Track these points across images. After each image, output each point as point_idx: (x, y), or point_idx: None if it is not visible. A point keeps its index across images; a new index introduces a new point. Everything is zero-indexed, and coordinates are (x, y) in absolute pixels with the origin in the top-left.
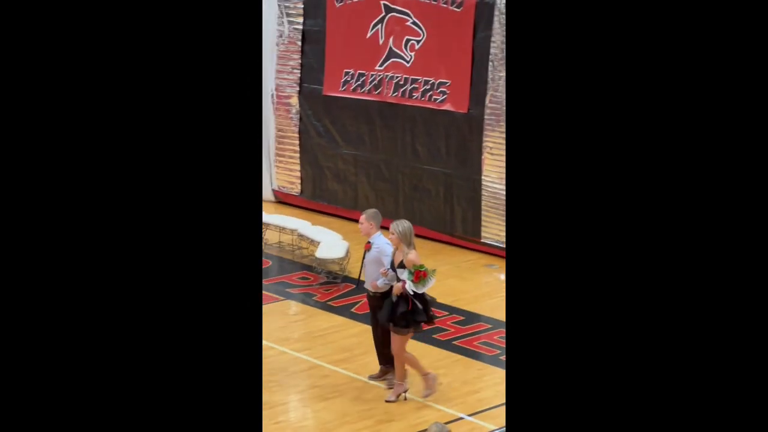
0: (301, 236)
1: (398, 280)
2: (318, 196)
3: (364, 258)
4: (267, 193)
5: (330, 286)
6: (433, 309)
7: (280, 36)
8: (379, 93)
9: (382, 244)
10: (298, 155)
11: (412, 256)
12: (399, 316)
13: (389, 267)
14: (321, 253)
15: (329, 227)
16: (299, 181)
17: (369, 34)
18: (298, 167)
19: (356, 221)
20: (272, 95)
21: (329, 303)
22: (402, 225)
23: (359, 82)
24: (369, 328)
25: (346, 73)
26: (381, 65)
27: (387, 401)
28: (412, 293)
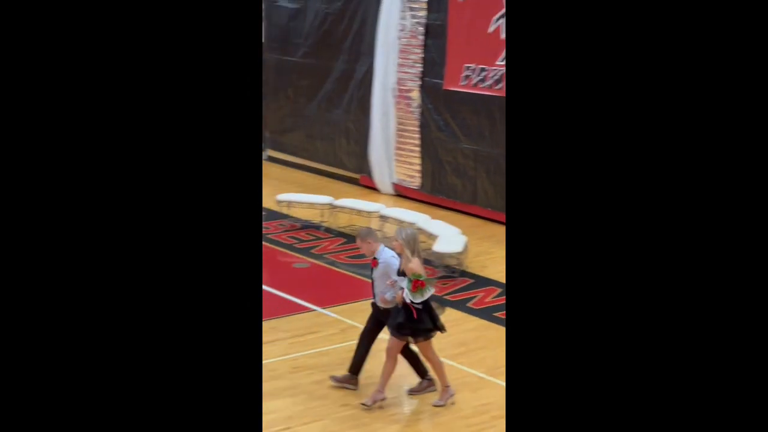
0: (419, 230)
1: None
2: (437, 190)
3: (372, 275)
4: (386, 187)
5: (447, 280)
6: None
7: (402, 30)
8: (500, 88)
9: (388, 257)
10: (418, 149)
11: (414, 264)
12: (403, 325)
13: (397, 275)
14: (439, 247)
15: (448, 221)
16: (419, 174)
17: (491, 29)
18: (418, 161)
19: (475, 216)
20: (393, 89)
21: (446, 297)
22: (406, 231)
23: (480, 77)
24: (485, 323)
25: (467, 68)
26: (502, 60)
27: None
28: (409, 302)
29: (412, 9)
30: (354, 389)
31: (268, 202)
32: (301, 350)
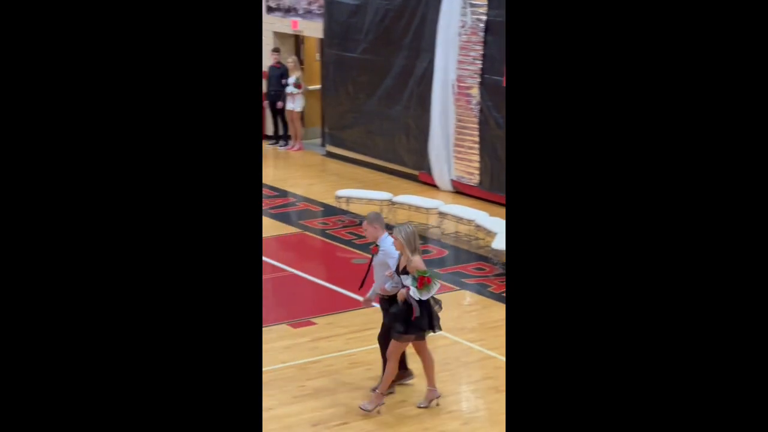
0: (478, 227)
1: (403, 285)
2: (496, 188)
3: (371, 261)
4: (445, 183)
5: (505, 278)
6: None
7: (463, 26)
8: None
9: (389, 246)
10: (477, 146)
11: (416, 261)
12: (397, 317)
13: (394, 271)
14: (497, 244)
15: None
16: (478, 172)
17: None
18: (477, 158)
19: None
20: (453, 85)
21: (504, 294)
22: (406, 229)
23: None
24: None
25: None
26: None
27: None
28: (416, 300)
29: (472, 5)
30: (411, 381)
31: (327, 197)
32: (358, 346)
